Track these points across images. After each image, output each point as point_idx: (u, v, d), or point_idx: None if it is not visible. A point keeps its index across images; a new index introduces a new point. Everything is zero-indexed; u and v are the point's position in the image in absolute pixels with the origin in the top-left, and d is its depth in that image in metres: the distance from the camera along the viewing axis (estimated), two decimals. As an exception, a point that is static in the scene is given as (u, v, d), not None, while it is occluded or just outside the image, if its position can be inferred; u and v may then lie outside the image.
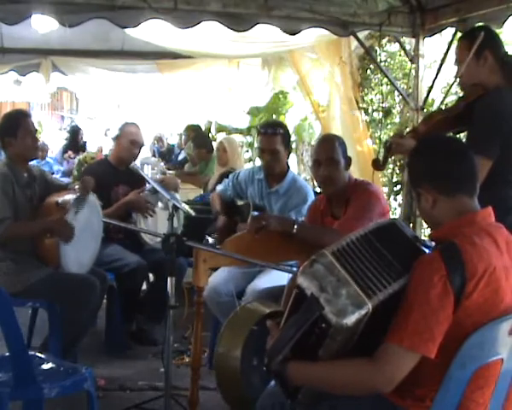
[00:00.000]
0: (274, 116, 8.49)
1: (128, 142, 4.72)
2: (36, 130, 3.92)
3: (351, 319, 1.80)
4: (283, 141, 3.98)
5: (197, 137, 7.67)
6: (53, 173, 9.27)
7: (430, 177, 2.02)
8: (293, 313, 1.94)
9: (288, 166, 4.11)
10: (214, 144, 7.75)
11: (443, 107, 4.97)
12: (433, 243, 2.06)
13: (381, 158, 3.39)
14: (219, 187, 4.42)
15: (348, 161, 3.41)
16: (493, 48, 3.06)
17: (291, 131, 8.38)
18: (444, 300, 1.82)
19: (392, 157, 6.43)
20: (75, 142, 10.66)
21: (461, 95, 3.42)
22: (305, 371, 1.95)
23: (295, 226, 3.29)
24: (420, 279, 1.85)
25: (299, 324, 1.88)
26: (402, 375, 1.84)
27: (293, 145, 8.74)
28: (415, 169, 2.11)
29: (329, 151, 3.35)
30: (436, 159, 2.04)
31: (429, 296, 1.82)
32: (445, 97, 5.34)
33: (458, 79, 3.21)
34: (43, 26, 5.78)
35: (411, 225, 5.19)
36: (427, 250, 2.03)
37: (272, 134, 3.96)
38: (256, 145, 4.25)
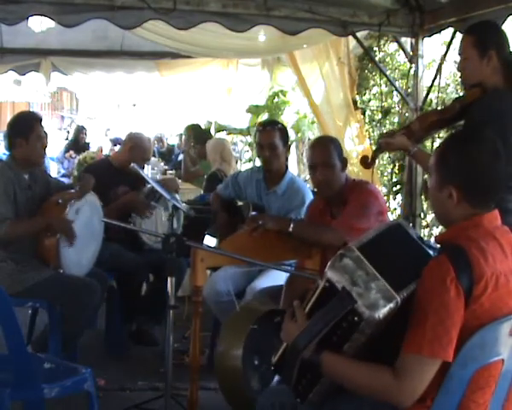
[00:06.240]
0: (273, 115, 8.49)
1: (132, 154, 4.76)
2: (46, 136, 3.84)
3: (382, 312, 1.82)
4: (281, 137, 3.98)
5: (197, 134, 7.66)
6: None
7: (465, 182, 1.94)
8: (321, 306, 1.93)
9: (287, 167, 4.11)
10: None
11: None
12: (438, 246, 2.04)
13: (369, 156, 3.39)
14: (219, 187, 4.42)
15: (344, 162, 3.41)
16: (499, 48, 3.03)
17: (289, 128, 8.39)
18: (457, 302, 1.81)
19: (391, 159, 6.47)
20: (77, 141, 10.69)
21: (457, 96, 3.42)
22: (337, 365, 1.92)
23: (292, 225, 3.30)
24: (431, 284, 1.83)
25: (329, 316, 1.87)
26: (424, 386, 1.83)
27: (293, 145, 8.75)
28: (453, 164, 1.95)
29: (324, 155, 3.35)
30: (477, 169, 1.93)
31: (445, 300, 1.80)
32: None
33: (460, 73, 3.20)
34: (40, 25, 5.78)
35: (411, 224, 5.19)
36: (431, 252, 2.03)
37: (270, 129, 3.99)
38: (255, 141, 4.24)
